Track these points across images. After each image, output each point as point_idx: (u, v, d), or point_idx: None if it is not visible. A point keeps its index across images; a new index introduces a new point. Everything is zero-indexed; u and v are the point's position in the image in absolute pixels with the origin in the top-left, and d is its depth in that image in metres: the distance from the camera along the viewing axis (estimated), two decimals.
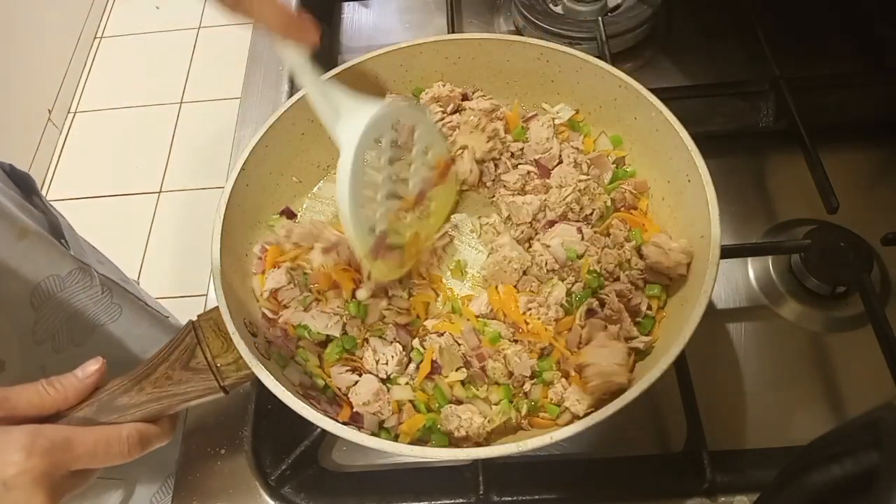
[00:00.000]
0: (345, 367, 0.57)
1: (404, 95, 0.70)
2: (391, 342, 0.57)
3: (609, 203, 0.63)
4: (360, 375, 0.56)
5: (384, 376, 0.56)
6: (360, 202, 0.54)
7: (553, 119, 0.67)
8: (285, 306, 0.60)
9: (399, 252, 0.59)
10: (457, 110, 0.69)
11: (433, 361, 0.56)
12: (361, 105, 0.54)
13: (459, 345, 0.56)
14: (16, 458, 0.42)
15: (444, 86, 0.68)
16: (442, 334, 0.57)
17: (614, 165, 0.65)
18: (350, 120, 0.53)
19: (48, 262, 0.67)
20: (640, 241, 0.60)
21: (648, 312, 0.57)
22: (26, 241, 0.64)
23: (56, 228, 0.74)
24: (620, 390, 0.49)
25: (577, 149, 0.66)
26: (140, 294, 0.87)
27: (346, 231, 0.54)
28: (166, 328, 0.87)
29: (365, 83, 0.69)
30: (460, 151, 0.65)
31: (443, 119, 0.67)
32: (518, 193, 0.64)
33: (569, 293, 0.58)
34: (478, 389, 0.56)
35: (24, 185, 0.74)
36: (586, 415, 0.49)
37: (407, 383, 0.57)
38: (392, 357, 0.56)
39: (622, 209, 0.63)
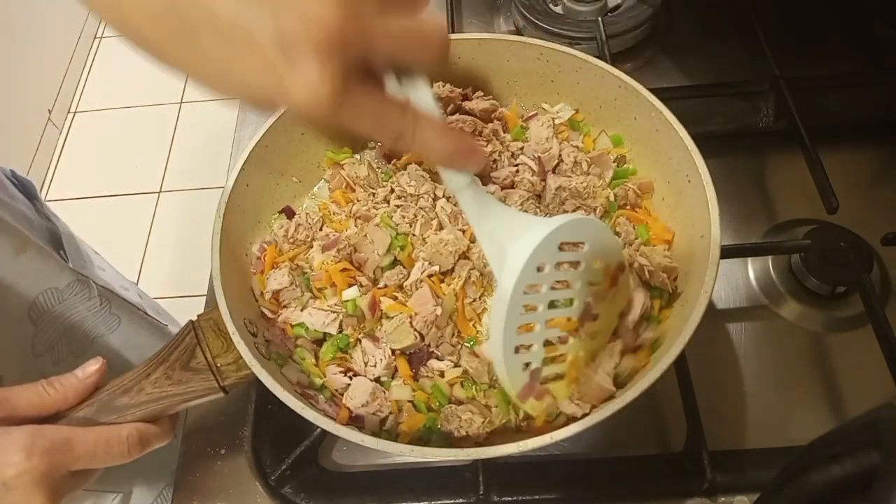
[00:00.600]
0: (338, 368, 0.57)
1: (587, 212, 0.62)
2: (382, 345, 0.57)
3: (612, 199, 0.63)
4: (351, 378, 0.56)
5: (372, 378, 0.56)
6: (514, 342, 0.47)
7: (553, 119, 0.67)
8: (284, 306, 0.60)
9: (556, 384, 0.51)
10: (456, 111, 0.69)
11: (408, 355, 0.57)
12: (524, 229, 0.46)
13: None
14: (16, 458, 0.42)
15: (443, 86, 0.68)
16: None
17: (615, 164, 0.65)
18: (511, 249, 0.45)
19: (47, 275, 0.67)
20: (646, 238, 0.60)
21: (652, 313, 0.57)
22: (25, 255, 0.64)
23: (56, 237, 0.73)
24: (610, 397, 0.49)
25: (578, 147, 0.66)
26: (140, 302, 0.87)
27: (498, 374, 0.48)
28: (165, 336, 0.87)
29: None
30: None
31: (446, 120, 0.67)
32: (506, 188, 0.64)
33: None
34: (476, 390, 0.56)
35: (27, 192, 0.74)
36: (584, 416, 0.49)
37: (405, 383, 0.57)
38: (381, 360, 0.56)
39: (626, 207, 0.63)
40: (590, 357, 0.52)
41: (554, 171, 0.65)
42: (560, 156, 0.65)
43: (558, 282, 0.48)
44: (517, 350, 0.48)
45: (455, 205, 0.63)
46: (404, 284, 0.59)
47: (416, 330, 0.57)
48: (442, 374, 0.56)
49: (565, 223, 0.46)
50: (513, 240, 0.45)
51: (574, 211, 0.62)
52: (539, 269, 0.46)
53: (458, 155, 0.40)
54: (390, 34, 0.35)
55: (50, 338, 0.68)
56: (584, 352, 0.51)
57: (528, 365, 0.49)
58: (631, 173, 0.65)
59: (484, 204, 0.45)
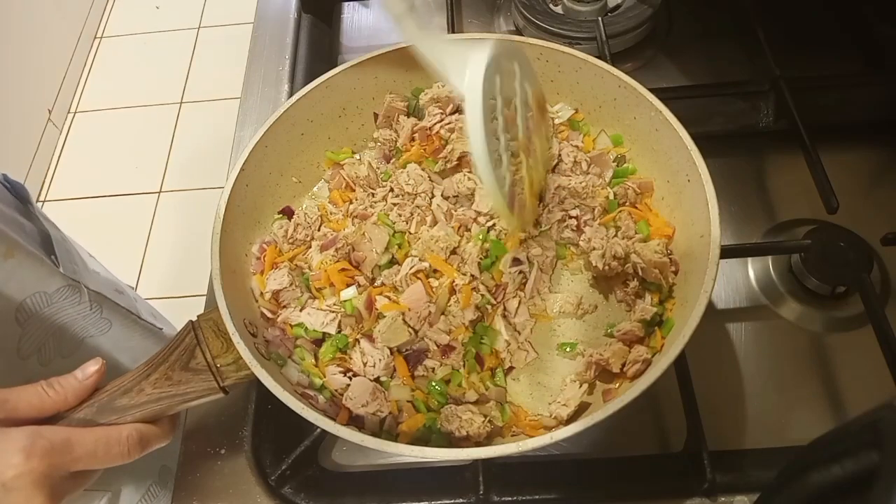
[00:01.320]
0: (338, 368, 0.57)
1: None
2: (379, 345, 0.57)
3: (612, 197, 0.63)
4: (351, 378, 0.56)
5: (372, 378, 0.56)
6: (490, 150, 0.50)
7: (553, 119, 0.67)
8: (284, 306, 0.60)
9: (526, 200, 0.57)
10: (456, 110, 0.69)
11: (404, 354, 0.57)
12: (465, 52, 0.51)
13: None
14: (15, 459, 0.42)
15: (442, 86, 0.68)
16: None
17: (615, 164, 0.65)
18: (461, 70, 0.50)
19: (35, 280, 0.66)
20: (647, 234, 0.60)
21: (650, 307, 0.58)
22: (12, 260, 0.63)
23: (48, 242, 0.73)
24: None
25: (577, 147, 0.66)
26: (134, 306, 0.86)
27: (488, 189, 0.51)
28: (159, 340, 0.86)
29: (365, 83, 0.69)
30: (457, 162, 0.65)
31: (442, 120, 0.67)
32: None
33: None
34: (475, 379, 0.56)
35: (19, 196, 0.73)
36: (574, 417, 0.49)
37: (404, 383, 0.57)
38: (380, 360, 0.56)
39: (626, 205, 0.63)
40: (538, 180, 0.59)
41: (553, 171, 0.65)
42: (560, 155, 0.65)
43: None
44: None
45: (449, 200, 0.63)
46: (395, 280, 0.60)
47: (409, 326, 0.57)
48: (434, 371, 0.57)
49: (505, 42, 0.54)
50: (464, 55, 0.50)
51: (573, 210, 0.62)
52: (492, 98, 0.50)
53: None
54: None
55: (37, 340, 0.68)
56: (532, 175, 0.57)
57: (504, 184, 0.52)
58: (630, 172, 0.65)
59: (428, 30, 0.51)
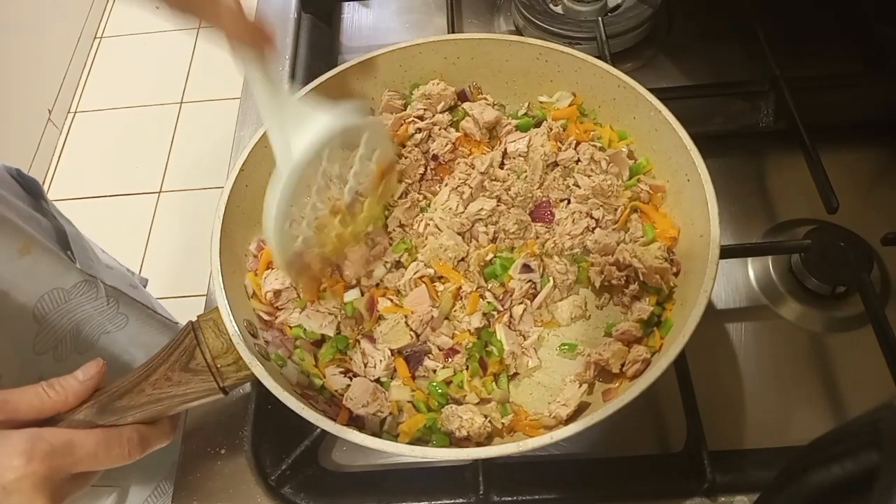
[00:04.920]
0: (338, 368, 0.57)
1: (361, 103, 0.67)
2: (380, 346, 0.57)
3: (629, 198, 0.63)
4: (351, 378, 0.56)
5: (373, 379, 0.56)
6: (288, 216, 0.52)
7: (550, 128, 0.67)
8: (281, 308, 0.60)
9: (319, 260, 0.58)
10: (448, 109, 0.69)
11: (405, 355, 0.57)
12: (311, 122, 0.51)
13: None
14: (16, 462, 0.42)
15: (437, 83, 0.69)
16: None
17: (630, 161, 0.65)
18: (297, 135, 0.50)
19: (52, 276, 0.66)
20: (652, 237, 0.60)
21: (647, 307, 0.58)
22: (29, 256, 0.63)
23: (63, 237, 0.73)
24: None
25: (596, 146, 0.65)
26: (149, 300, 0.86)
27: (269, 244, 0.53)
28: (175, 333, 0.86)
29: (365, 83, 0.69)
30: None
31: (423, 115, 0.68)
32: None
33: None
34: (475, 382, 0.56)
35: (32, 191, 0.73)
36: (574, 417, 0.49)
37: (404, 383, 0.57)
38: (380, 361, 0.56)
39: (639, 203, 0.63)
40: (353, 235, 0.59)
41: (574, 170, 0.65)
42: (577, 153, 0.65)
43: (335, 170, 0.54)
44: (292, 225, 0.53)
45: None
46: (399, 284, 0.60)
47: (411, 329, 0.57)
48: (434, 372, 0.57)
49: (349, 127, 0.52)
50: (299, 133, 0.50)
51: (596, 210, 0.62)
52: (319, 155, 0.51)
53: (247, 31, 0.48)
54: None
55: (53, 336, 0.67)
56: (348, 231, 0.58)
57: (296, 239, 0.53)
58: (644, 169, 0.64)
59: (275, 88, 0.50)
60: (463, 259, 0.61)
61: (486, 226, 0.62)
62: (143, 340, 0.80)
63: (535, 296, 0.60)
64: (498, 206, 0.63)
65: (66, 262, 0.69)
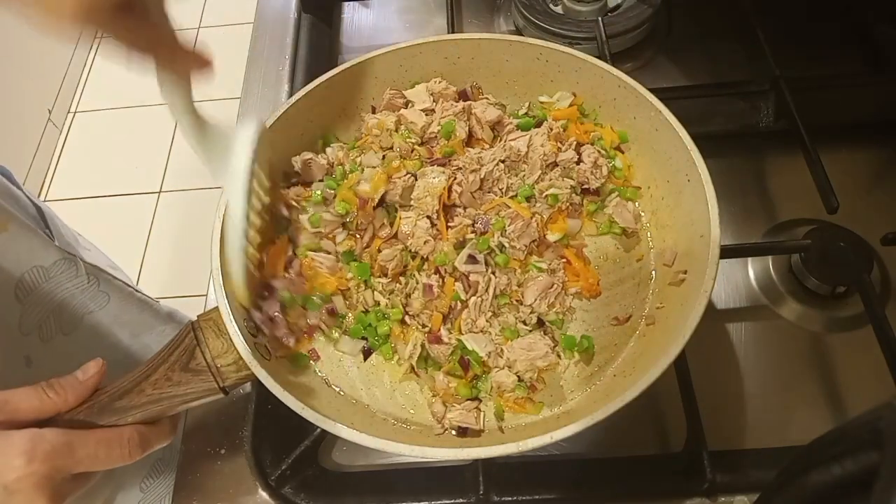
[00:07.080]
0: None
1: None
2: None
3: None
4: None
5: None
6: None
7: (550, 128, 0.67)
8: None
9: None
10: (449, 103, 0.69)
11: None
12: (233, 138, 0.56)
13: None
14: (17, 462, 0.42)
15: (439, 82, 0.69)
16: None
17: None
18: (226, 161, 0.54)
19: (31, 253, 0.66)
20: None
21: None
22: (5, 234, 0.63)
23: (41, 215, 0.73)
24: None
25: (600, 152, 0.64)
26: (129, 279, 0.86)
27: (231, 267, 0.54)
28: (155, 313, 0.86)
29: (365, 83, 0.69)
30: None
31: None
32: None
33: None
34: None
35: (4, 174, 0.73)
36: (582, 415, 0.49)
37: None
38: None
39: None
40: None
41: (556, 165, 0.65)
42: (579, 153, 0.65)
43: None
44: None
45: None
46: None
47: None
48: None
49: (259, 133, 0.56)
50: (230, 149, 0.55)
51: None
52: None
53: (178, 56, 0.50)
54: None
55: (37, 316, 0.67)
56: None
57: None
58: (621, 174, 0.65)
59: (201, 120, 0.56)
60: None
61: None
62: (125, 319, 0.79)
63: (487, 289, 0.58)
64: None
65: (44, 238, 0.68)
